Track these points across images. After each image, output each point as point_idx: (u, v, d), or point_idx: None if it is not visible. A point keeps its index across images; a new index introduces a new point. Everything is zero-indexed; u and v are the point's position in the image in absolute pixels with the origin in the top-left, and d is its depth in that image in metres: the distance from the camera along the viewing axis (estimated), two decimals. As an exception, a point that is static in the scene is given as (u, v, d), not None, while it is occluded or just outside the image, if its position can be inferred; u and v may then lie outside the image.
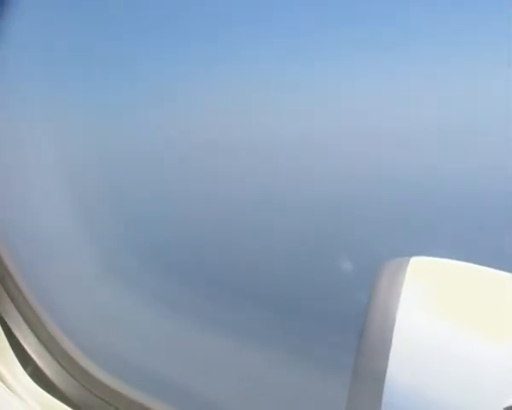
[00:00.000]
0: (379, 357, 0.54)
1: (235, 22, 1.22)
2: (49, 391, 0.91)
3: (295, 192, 1.18)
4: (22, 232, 1.15)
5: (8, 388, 0.88)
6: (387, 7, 1.12)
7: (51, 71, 1.23)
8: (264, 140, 1.20)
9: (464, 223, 1.04)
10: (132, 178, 1.33)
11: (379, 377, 0.53)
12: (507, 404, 0.50)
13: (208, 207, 1.26)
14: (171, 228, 1.34)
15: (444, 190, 1.07)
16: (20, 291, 1.04)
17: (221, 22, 1.23)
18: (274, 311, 1.14)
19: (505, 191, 0.97)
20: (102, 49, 1.30)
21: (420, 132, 1.09)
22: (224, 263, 1.26)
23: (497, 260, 0.61)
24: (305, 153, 1.18)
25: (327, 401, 0.89)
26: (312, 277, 1.15)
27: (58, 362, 0.97)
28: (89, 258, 1.23)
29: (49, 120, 1.23)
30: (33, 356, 0.97)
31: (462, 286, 0.59)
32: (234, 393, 1.03)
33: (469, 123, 1.05)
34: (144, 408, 0.89)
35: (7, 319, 1.01)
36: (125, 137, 1.31)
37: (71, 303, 1.17)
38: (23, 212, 1.17)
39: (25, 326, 1.01)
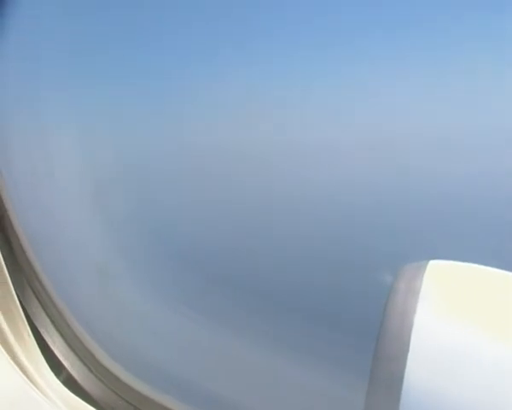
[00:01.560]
0: (397, 360, 0.54)
1: (240, 24, 1.23)
2: (77, 395, 0.93)
3: (307, 199, 1.19)
4: (48, 235, 1.17)
5: (41, 392, 0.90)
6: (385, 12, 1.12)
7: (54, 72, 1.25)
8: (281, 148, 1.20)
9: (483, 226, 1.03)
10: (149, 181, 1.34)
11: (397, 381, 0.53)
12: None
13: (226, 212, 1.27)
14: (192, 229, 1.34)
15: (461, 194, 1.06)
16: (47, 293, 1.06)
17: (227, 25, 1.23)
18: (282, 309, 1.14)
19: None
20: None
21: (429, 138, 1.08)
22: (244, 263, 1.27)
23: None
24: (314, 161, 1.18)
25: (345, 404, 0.89)
26: (330, 282, 1.15)
27: (85, 364, 0.99)
28: (113, 259, 1.25)
29: (67, 123, 1.26)
30: (62, 359, 0.99)
31: (481, 290, 0.59)
32: (259, 396, 1.03)
33: (477, 126, 1.04)
34: None
35: (36, 323, 1.03)
36: (138, 139, 1.33)
37: (96, 304, 1.19)
38: (48, 215, 1.20)
39: (52, 329, 1.04)
